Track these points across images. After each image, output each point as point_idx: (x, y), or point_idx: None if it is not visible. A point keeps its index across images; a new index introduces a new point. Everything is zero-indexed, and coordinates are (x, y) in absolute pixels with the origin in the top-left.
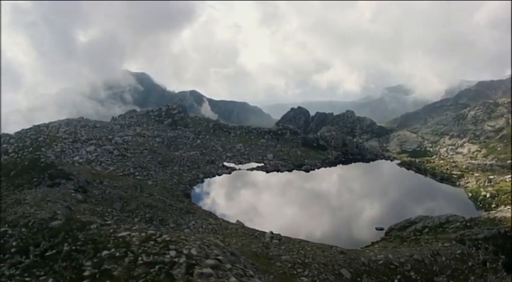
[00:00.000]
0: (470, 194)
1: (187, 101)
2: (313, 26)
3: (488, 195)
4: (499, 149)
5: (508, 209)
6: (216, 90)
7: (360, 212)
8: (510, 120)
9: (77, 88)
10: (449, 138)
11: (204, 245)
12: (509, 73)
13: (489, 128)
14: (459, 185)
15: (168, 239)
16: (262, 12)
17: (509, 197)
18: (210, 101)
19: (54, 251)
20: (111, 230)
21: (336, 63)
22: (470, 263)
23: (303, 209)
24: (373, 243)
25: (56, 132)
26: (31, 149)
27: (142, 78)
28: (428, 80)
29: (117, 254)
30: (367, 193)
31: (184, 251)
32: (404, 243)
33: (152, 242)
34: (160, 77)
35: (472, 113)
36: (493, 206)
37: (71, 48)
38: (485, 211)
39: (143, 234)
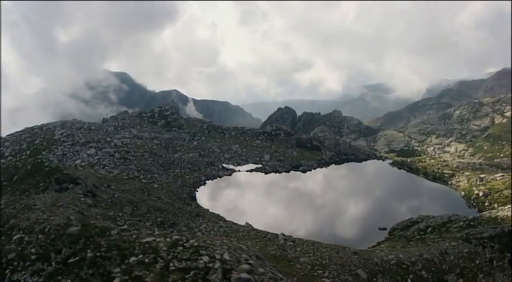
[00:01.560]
0: (463, 193)
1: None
2: (295, 25)
3: (481, 194)
4: (485, 148)
5: (509, 207)
6: (197, 89)
7: (360, 212)
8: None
9: (59, 88)
10: (436, 138)
11: (231, 249)
12: (488, 71)
13: (475, 127)
14: (451, 184)
15: (196, 244)
16: (243, 11)
17: (502, 195)
18: (188, 101)
19: (77, 258)
20: (133, 236)
21: (318, 62)
22: (477, 261)
23: (305, 210)
24: (378, 243)
25: (52, 134)
26: (29, 152)
27: (123, 78)
28: (410, 78)
29: (146, 260)
30: (365, 193)
31: (217, 256)
32: (411, 242)
33: (181, 248)
34: (141, 76)
35: (458, 112)
36: (486, 204)
37: (52, 47)
38: (479, 209)
39: (168, 239)
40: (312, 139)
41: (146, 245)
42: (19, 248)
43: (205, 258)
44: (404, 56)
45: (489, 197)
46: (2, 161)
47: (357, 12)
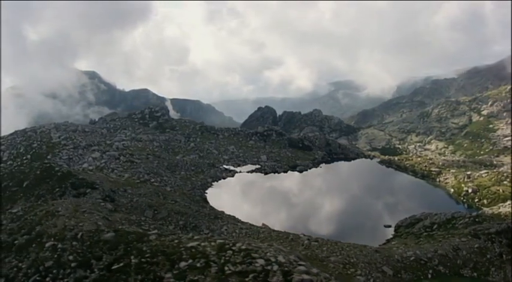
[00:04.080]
0: (452, 190)
1: (149, 100)
2: (270, 24)
3: (470, 191)
4: (465, 145)
5: (509, 204)
6: (167, 88)
7: (361, 210)
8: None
9: (32, 87)
10: (416, 136)
11: (277, 251)
12: (456, 68)
13: (453, 125)
14: (439, 182)
15: (244, 247)
16: (210, 10)
17: (490, 191)
18: (165, 100)
19: (121, 264)
20: (175, 241)
21: (291, 60)
22: (488, 256)
23: (308, 209)
24: (388, 241)
25: (49, 138)
26: (29, 156)
27: (92, 77)
28: (380, 76)
29: (198, 265)
30: (363, 192)
31: (272, 259)
32: (421, 239)
33: (230, 252)
34: (110, 75)
35: (436, 111)
36: (476, 200)
37: (23, 45)
38: (468, 206)
39: (213, 243)
40: (303, 139)
41: (193, 250)
42: (55, 256)
43: (261, 261)
44: (377, 55)
45: (478, 193)
46: (2, 165)
47: (334, 12)
